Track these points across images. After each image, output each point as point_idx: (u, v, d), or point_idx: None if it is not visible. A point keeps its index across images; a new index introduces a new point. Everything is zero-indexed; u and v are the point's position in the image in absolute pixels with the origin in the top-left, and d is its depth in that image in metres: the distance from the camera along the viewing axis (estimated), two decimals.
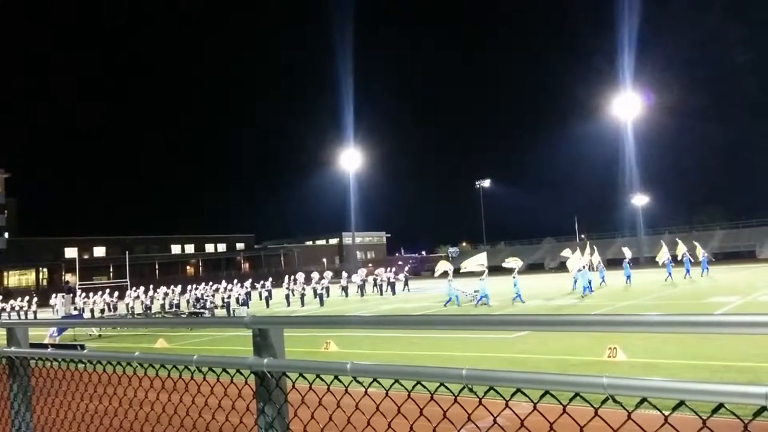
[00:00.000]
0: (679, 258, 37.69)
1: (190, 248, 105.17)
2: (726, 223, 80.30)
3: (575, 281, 31.89)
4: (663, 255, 37.93)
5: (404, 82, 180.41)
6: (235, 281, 44.32)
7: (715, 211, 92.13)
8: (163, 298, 40.16)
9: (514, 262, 32.14)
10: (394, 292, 41.57)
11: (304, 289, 39.94)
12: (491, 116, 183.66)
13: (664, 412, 1.55)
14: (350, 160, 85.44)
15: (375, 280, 44.57)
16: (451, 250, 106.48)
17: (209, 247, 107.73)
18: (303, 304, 37.61)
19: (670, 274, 36.56)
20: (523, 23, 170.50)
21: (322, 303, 36.85)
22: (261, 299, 43.28)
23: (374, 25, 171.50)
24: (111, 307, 41.91)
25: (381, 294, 42.31)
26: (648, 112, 78.08)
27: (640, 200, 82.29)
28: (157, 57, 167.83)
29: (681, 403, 1.51)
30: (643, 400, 1.56)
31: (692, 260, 36.80)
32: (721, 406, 1.45)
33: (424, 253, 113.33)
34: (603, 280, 36.48)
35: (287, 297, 39.73)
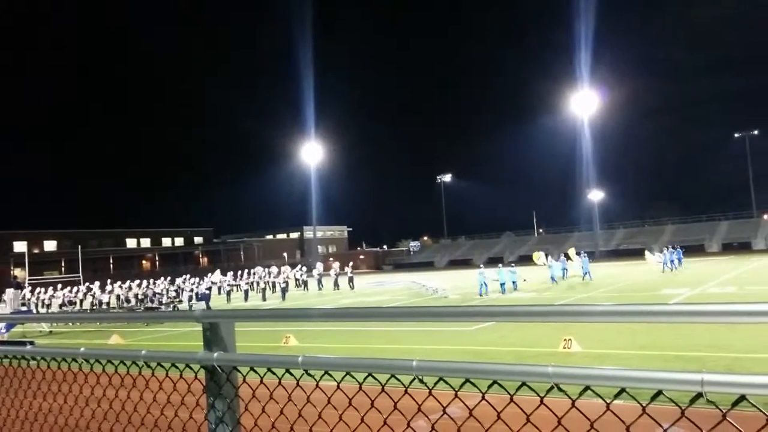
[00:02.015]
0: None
1: (146, 242, 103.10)
2: (677, 218, 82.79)
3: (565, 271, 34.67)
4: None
5: (366, 76, 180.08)
6: (187, 277, 43.55)
7: (666, 207, 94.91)
8: (116, 293, 39.33)
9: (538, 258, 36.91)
10: (352, 287, 41.40)
11: (265, 283, 39.54)
12: (453, 112, 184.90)
13: (606, 399, 1.59)
14: (311, 153, 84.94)
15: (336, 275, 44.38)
16: (412, 244, 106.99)
17: (166, 241, 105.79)
18: (264, 298, 37.30)
19: (664, 264, 37.38)
20: (483, 19, 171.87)
21: (284, 297, 36.64)
22: (221, 294, 42.76)
23: (334, 18, 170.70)
24: (69, 302, 40.78)
25: (337, 288, 42.15)
26: (604, 110, 79.76)
27: (596, 195, 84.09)
28: (114, 47, 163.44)
29: (622, 391, 1.54)
30: (587, 388, 1.59)
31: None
32: (659, 393, 1.49)
33: (385, 247, 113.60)
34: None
35: (246, 292, 39.35)
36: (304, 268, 47.50)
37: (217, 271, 44.75)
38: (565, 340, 12.62)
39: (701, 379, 1.41)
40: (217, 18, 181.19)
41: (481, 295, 27.78)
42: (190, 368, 2.41)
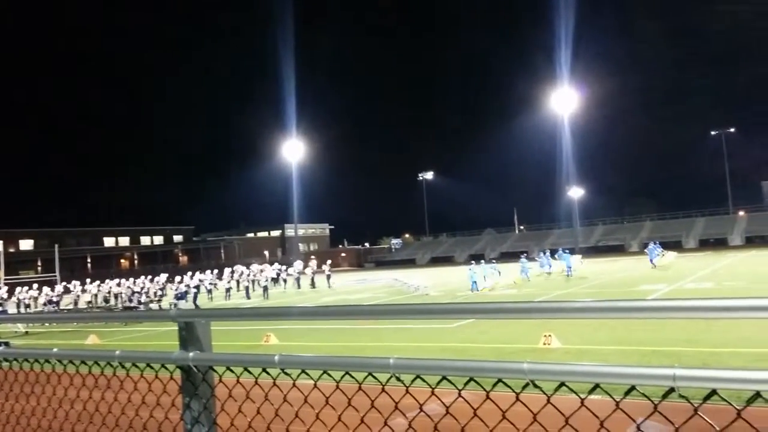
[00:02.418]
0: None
1: (124, 241, 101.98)
2: (655, 215, 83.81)
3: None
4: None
5: (348, 74, 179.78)
6: (162, 276, 43.10)
7: (645, 203, 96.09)
8: (94, 292, 38.84)
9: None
10: (330, 285, 41.10)
11: (249, 281, 39.29)
12: (434, 110, 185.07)
13: (580, 395, 1.60)
14: (292, 150, 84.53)
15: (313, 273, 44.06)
16: (394, 241, 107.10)
17: (145, 240, 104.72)
18: (249, 297, 37.13)
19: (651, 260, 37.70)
20: (465, 17, 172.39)
21: (266, 295, 36.49)
22: (202, 292, 42.39)
23: (317, 15, 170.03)
24: (49, 302, 40.12)
25: (313, 287, 42.02)
26: (584, 107, 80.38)
27: (575, 192, 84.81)
28: (92, 42, 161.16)
29: (596, 386, 1.55)
30: (561, 384, 1.60)
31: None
32: (633, 388, 1.51)
33: (367, 244, 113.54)
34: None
35: (228, 290, 39.09)
36: (283, 267, 47.14)
37: (208, 271, 44.22)
38: (545, 336, 12.72)
39: (673, 374, 1.43)
40: (198, 14, 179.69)
41: (472, 291, 27.94)
42: (166, 368, 2.39)
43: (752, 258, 41.86)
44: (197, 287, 37.53)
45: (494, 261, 36.00)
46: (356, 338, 15.62)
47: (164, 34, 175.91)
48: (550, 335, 12.63)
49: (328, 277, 41.89)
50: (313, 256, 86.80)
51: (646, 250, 39.49)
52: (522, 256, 36.73)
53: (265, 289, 37.24)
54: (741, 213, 78.66)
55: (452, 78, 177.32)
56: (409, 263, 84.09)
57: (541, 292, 26.33)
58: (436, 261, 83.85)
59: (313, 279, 43.04)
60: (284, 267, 45.65)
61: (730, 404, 1.44)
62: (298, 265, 45.50)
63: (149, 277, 43.16)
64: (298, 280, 43.50)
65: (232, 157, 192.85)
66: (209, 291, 40.55)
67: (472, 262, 31.92)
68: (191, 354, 2.25)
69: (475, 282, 28.25)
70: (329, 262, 44.75)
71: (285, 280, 44.20)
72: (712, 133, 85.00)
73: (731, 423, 1.46)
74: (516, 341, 13.40)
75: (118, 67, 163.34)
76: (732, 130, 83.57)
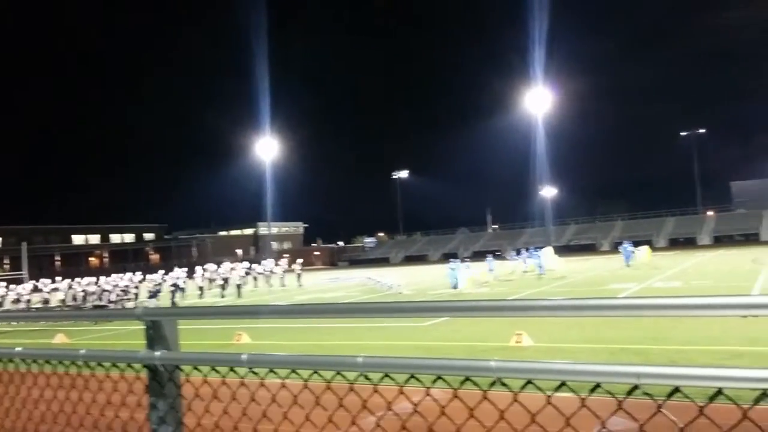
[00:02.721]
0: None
1: (94, 239, 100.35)
2: (626, 215, 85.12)
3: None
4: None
5: (322, 72, 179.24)
6: (137, 275, 42.43)
7: (616, 203, 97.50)
8: (63, 290, 38.06)
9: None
10: (300, 284, 40.74)
11: (221, 279, 38.87)
12: (408, 108, 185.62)
13: (547, 392, 1.61)
14: (266, 148, 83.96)
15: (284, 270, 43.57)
16: (367, 240, 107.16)
17: (115, 238, 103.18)
18: (223, 295, 36.80)
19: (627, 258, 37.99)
20: (439, 16, 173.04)
21: (239, 294, 36.18)
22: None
23: (290, 13, 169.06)
24: (17, 301, 39.19)
25: (282, 285, 41.54)
26: (557, 107, 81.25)
27: (548, 192, 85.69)
28: (61, 41, 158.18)
29: (562, 384, 1.57)
30: (528, 382, 1.61)
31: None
32: (598, 385, 1.52)
33: (341, 243, 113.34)
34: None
35: (201, 288, 38.65)
36: (253, 265, 46.64)
37: (177, 269, 43.52)
38: (516, 334, 12.81)
39: (637, 371, 1.44)
40: (169, 10, 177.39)
41: (455, 288, 28.14)
42: (132, 367, 2.35)
43: (720, 257, 42.75)
44: (175, 285, 36.88)
45: (468, 260, 36.21)
46: (329, 337, 15.58)
47: (135, 31, 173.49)
48: (521, 334, 12.73)
49: (299, 276, 41.39)
50: (286, 255, 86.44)
51: (620, 249, 39.81)
52: (488, 256, 37.13)
53: (239, 287, 36.93)
54: (710, 213, 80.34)
55: (426, 77, 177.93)
56: (383, 262, 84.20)
57: (513, 290, 26.55)
58: (410, 260, 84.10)
59: (283, 278, 42.71)
60: (254, 265, 45.15)
61: (693, 401, 1.47)
62: (269, 263, 45.07)
63: (120, 275, 42.46)
64: (269, 278, 43.13)
65: (205, 155, 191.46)
66: (182, 290, 39.92)
67: (450, 260, 32.06)
68: (158, 353, 2.22)
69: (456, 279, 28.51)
70: (300, 260, 44.37)
71: (255, 279, 43.81)
72: (682, 134, 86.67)
73: (694, 420, 1.48)
74: (488, 339, 13.48)
75: (89, 65, 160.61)
76: (701, 131, 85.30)
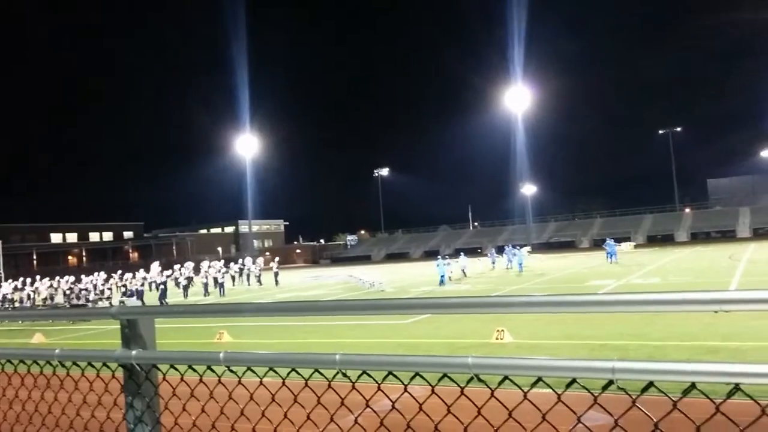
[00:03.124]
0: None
1: (72, 237, 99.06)
2: (605, 212, 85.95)
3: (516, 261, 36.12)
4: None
5: (303, 69, 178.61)
6: (121, 275, 41.99)
7: (595, 201, 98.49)
8: (41, 289, 37.45)
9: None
10: (277, 283, 40.07)
11: (205, 277, 38.50)
12: (390, 107, 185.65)
13: (523, 388, 1.62)
14: (246, 145, 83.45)
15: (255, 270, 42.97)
16: (349, 238, 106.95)
17: (94, 236, 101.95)
18: (207, 293, 36.56)
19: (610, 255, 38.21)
20: (421, 15, 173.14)
21: (222, 292, 35.93)
22: (152, 290, 41.36)
23: (271, 8, 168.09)
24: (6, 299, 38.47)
25: (259, 284, 41.17)
26: (537, 106, 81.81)
27: (528, 190, 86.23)
28: (35, 35, 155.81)
29: (539, 380, 1.57)
30: (505, 378, 1.62)
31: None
32: (573, 381, 1.53)
33: (322, 241, 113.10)
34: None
35: (186, 287, 38.18)
36: (231, 263, 46.17)
37: (154, 265, 42.92)
38: (498, 331, 12.89)
39: (612, 366, 1.46)
40: (148, 6, 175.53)
41: (442, 284, 28.42)
42: (108, 367, 2.32)
43: (697, 253, 43.35)
44: (164, 283, 36.27)
45: (447, 257, 36.38)
46: (310, 335, 15.55)
47: (113, 26, 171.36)
48: (502, 330, 12.81)
49: (276, 274, 40.78)
50: (267, 253, 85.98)
51: (605, 246, 39.92)
52: (461, 254, 37.42)
53: (222, 286, 36.67)
54: (687, 210, 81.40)
55: (408, 75, 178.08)
56: (365, 259, 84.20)
57: (494, 288, 26.70)
58: (392, 257, 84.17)
59: (259, 276, 42.36)
60: (231, 264, 44.69)
61: (668, 396, 1.48)
62: (247, 261, 44.65)
63: (99, 273, 41.85)
64: (248, 277, 42.77)
65: (185, 152, 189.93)
66: (186, 286, 39.02)
67: (438, 257, 32.33)
68: (134, 352, 2.19)
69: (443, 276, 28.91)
70: (277, 259, 43.83)
71: (233, 277, 43.46)
72: (660, 132, 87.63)
73: (668, 414, 1.50)
74: (469, 336, 13.55)
75: (65, 60, 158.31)
76: (678, 129, 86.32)
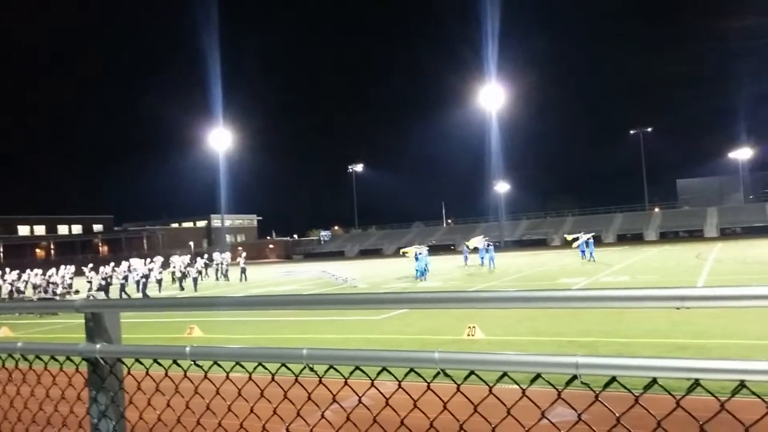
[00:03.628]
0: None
1: (40, 230, 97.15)
2: (576, 210, 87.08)
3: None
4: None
5: (277, 64, 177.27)
6: (101, 268, 41.09)
7: (567, 199, 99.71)
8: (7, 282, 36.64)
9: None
10: (245, 278, 39.27)
11: (180, 272, 37.94)
12: (364, 102, 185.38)
13: (489, 384, 1.63)
14: (219, 139, 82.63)
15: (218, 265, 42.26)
16: (323, 233, 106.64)
17: (62, 229, 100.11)
18: (182, 288, 36.12)
19: (583, 253, 38.34)
20: (396, 11, 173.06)
21: (195, 287, 35.53)
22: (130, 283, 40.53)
23: (244, 3, 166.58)
24: None
25: (226, 279, 40.60)
26: (510, 104, 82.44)
27: (502, 187, 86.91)
28: (6, 27, 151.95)
29: (504, 375, 1.59)
30: (471, 373, 1.63)
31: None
32: (538, 376, 1.55)
33: (295, 236, 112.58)
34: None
35: (159, 281, 37.60)
36: (197, 258, 45.36)
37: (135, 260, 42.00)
38: (469, 327, 12.96)
39: (576, 362, 1.47)
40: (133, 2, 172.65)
41: (419, 278, 28.69)
42: (72, 361, 2.28)
43: (665, 252, 44.13)
44: (146, 276, 35.51)
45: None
46: (283, 330, 15.47)
47: (85, 17, 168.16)
48: (474, 327, 12.88)
49: (243, 270, 39.79)
50: (240, 248, 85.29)
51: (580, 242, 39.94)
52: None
53: (195, 280, 36.24)
54: (656, 210, 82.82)
55: (383, 72, 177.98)
56: (338, 255, 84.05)
57: (466, 285, 26.87)
58: (365, 253, 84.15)
59: (227, 271, 41.65)
60: (198, 258, 43.86)
61: (630, 391, 1.51)
62: (217, 255, 43.97)
63: (67, 267, 40.98)
64: (216, 271, 42.06)
65: (157, 145, 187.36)
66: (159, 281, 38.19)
67: (420, 252, 32.58)
68: (98, 345, 2.16)
69: (419, 270, 29.24)
70: (244, 254, 43.21)
71: (200, 272, 42.77)
72: (631, 132, 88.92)
73: (629, 409, 1.52)
74: (441, 333, 13.60)
75: (35, 50, 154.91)
76: (649, 130, 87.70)
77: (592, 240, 39.43)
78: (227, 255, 42.44)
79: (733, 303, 1.37)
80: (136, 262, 39.38)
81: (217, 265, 42.37)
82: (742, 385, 1.32)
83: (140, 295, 32.19)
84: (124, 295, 31.63)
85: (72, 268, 39.42)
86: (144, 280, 33.85)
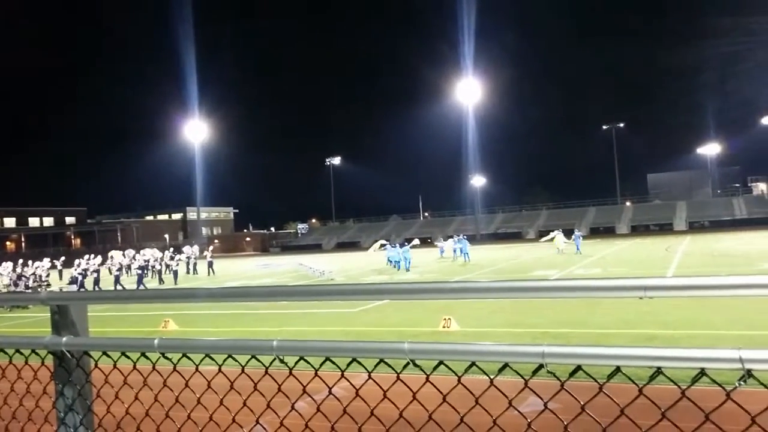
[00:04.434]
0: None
1: (10, 222, 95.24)
2: (550, 204, 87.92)
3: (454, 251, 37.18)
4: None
5: (254, 56, 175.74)
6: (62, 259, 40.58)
7: (541, 193, 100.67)
8: None
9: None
10: (212, 272, 38.33)
11: (159, 265, 37.44)
12: (342, 95, 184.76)
13: (458, 374, 1.64)
14: (195, 131, 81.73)
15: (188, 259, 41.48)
16: (300, 226, 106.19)
17: (34, 222, 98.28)
18: (162, 281, 35.68)
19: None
20: (373, 4, 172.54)
21: (176, 280, 35.15)
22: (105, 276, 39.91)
23: None
24: None
25: (195, 273, 39.87)
26: (486, 99, 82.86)
27: (478, 181, 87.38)
28: None
29: (472, 364, 1.60)
30: (440, 363, 1.64)
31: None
32: (505, 365, 1.56)
33: (272, 229, 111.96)
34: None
35: (140, 276, 37.00)
36: (165, 251, 44.42)
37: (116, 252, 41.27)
38: (444, 319, 13.04)
39: (542, 351, 1.49)
40: None
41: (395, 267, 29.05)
42: (37, 354, 2.25)
43: (636, 245, 44.82)
44: (124, 268, 34.82)
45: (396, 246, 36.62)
46: (259, 323, 15.40)
47: (56, 4, 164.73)
48: (449, 319, 12.96)
49: (210, 263, 38.79)
50: (217, 241, 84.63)
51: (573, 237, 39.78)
52: (396, 245, 37.83)
53: (176, 273, 35.69)
54: (628, 203, 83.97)
55: (361, 66, 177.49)
56: (316, 248, 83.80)
57: (442, 277, 27.00)
58: (343, 246, 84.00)
59: (195, 265, 40.91)
60: (165, 251, 42.96)
61: (595, 380, 1.53)
62: (187, 249, 43.20)
63: (43, 260, 40.10)
64: (187, 264, 41.29)
65: (132, 137, 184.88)
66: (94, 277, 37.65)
67: (406, 243, 33.01)
68: (64, 338, 2.13)
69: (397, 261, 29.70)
70: (211, 247, 42.01)
71: (168, 266, 42.11)
72: (604, 127, 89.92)
73: (593, 397, 1.55)
74: (417, 325, 13.67)
75: (5, 40, 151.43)
76: (621, 125, 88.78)
77: (580, 234, 40.17)
78: (196, 248, 41.42)
79: (693, 293, 1.39)
80: (119, 255, 38.81)
81: (187, 258, 41.72)
82: (702, 373, 1.35)
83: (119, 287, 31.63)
84: (119, 287, 30.94)
85: (47, 262, 38.74)
86: (120, 273, 33.48)
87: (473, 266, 32.30)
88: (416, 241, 38.10)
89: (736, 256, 28.84)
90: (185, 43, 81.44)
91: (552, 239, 39.76)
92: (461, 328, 12.81)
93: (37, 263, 37.47)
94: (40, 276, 35.61)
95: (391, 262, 33.28)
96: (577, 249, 37.53)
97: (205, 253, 39.59)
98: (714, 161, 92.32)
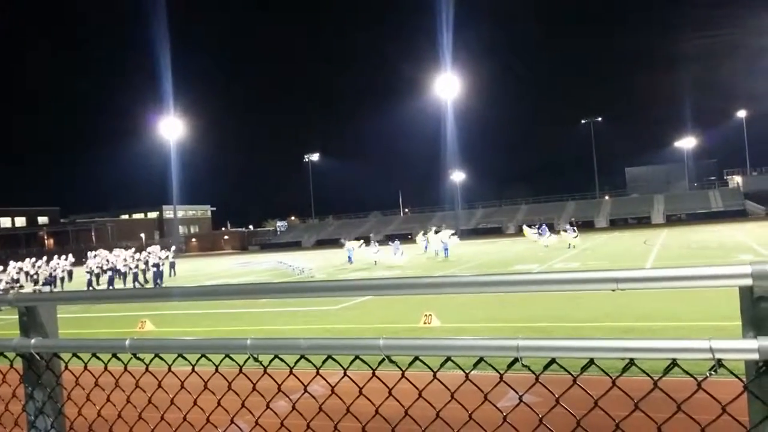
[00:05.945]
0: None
1: None
2: (530, 198, 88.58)
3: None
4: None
5: (231, 52, 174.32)
6: (30, 259, 39.76)
7: (521, 187, 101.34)
8: None
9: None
10: (173, 273, 37.46)
11: (137, 266, 36.83)
12: (320, 91, 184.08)
13: (433, 369, 1.63)
14: (171, 128, 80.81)
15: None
16: (279, 224, 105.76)
17: (5, 221, 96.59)
18: (142, 283, 35.17)
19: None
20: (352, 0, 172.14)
21: (159, 282, 34.63)
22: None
23: None
24: None
25: (172, 274, 39.26)
26: (465, 94, 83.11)
27: (458, 176, 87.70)
28: None
29: (448, 359, 1.59)
30: (416, 358, 1.63)
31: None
32: (481, 359, 1.56)
33: (251, 227, 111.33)
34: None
35: (111, 278, 36.38)
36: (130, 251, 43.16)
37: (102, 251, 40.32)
38: (425, 315, 13.06)
39: (517, 344, 1.49)
40: None
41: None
42: (6, 357, 2.20)
43: (615, 239, 45.33)
44: (111, 269, 34.01)
45: (377, 243, 36.65)
46: (238, 323, 15.30)
47: (31, 3, 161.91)
48: (430, 315, 12.99)
49: (172, 265, 37.50)
50: (194, 239, 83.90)
51: (566, 230, 39.94)
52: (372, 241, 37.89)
53: (155, 275, 35.12)
54: (606, 197, 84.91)
55: (339, 61, 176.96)
56: (295, 246, 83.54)
57: (423, 273, 27.07)
58: (322, 243, 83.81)
59: (172, 265, 39.98)
60: (129, 251, 41.84)
61: (569, 373, 1.53)
62: (156, 249, 42.09)
63: (19, 262, 39.33)
64: (156, 265, 40.09)
65: (105, 134, 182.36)
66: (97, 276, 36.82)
67: (396, 240, 33.13)
68: (33, 341, 2.08)
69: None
70: (173, 248, 40.50)
71: (130, 267, 41.15)
72: (582, 121, 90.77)
73: (568, 389, 1.55)
74: (398, 321, 13.68)
75: None
76: (599, 119, 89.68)
77: (571, 226, 40.62)
78: (157, 248, 39.96)
79: (664, 284, 1.40)
80: (95, 260, 38.06)
81: (158, 258, 40.65)
82: (674, 363, 1.36)
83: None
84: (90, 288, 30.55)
85: (24, 263, 38.04)
86: (97, 273, 32.94)
87: (455, 261, 32.43)
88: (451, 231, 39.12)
89: (712, 248, 29.31)
90: (160, 39, 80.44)
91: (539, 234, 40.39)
92: (442, 323, 12.84)
93: (14, 263, 36.93)
94: (16, 278, 35.10)
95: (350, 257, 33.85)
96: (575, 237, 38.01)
97: (168, 254, 37.55)
98: (690, 155, 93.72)
